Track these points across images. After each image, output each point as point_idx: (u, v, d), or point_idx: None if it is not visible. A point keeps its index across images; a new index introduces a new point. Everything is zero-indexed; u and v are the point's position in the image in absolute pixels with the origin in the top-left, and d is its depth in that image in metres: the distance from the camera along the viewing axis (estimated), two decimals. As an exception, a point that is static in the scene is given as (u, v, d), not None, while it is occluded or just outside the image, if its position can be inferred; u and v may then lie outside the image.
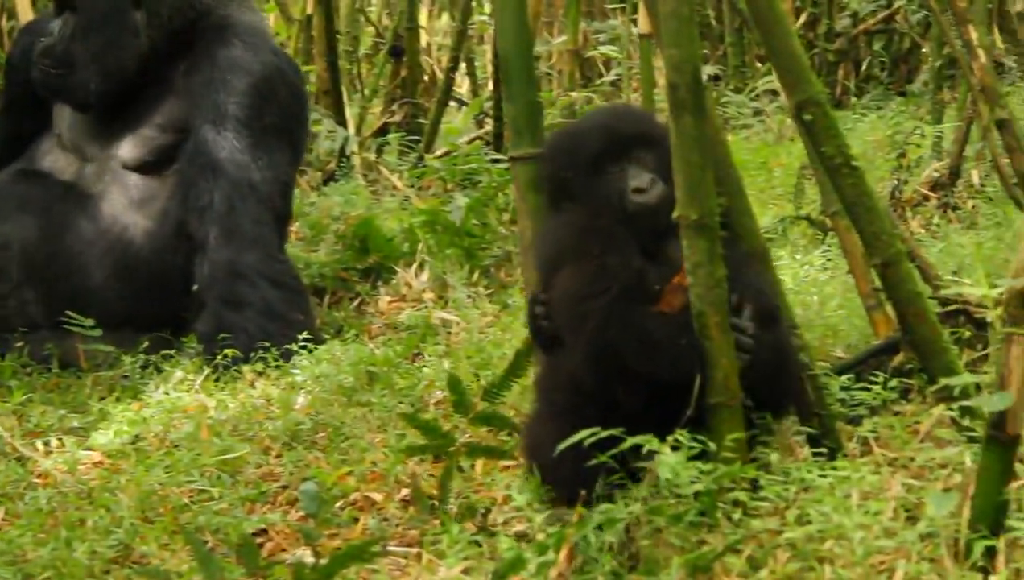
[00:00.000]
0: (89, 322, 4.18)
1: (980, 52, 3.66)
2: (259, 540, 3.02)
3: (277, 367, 4.05)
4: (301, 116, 4.65)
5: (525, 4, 3.13)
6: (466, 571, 2.59)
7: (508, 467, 3.18)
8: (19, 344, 4.26)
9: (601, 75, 8.54)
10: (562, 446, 2.54)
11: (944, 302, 3.21)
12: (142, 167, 4.45)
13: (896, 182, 4.89)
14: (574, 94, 6.24)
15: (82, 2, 4.41)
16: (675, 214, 2.66)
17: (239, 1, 4.63)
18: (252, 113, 4.40)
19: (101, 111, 4.49)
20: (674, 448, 2.42)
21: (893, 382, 3.04)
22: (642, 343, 2.65)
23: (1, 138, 4.72)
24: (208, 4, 4.52)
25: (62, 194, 4.43)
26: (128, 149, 4.45)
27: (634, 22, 7.47)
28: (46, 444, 3.59)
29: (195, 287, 4.29)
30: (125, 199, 4.42)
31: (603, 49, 8.28)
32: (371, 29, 8.89)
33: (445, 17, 10.01)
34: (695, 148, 2.68)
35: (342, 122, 6.52)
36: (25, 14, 5.76)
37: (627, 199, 2.78)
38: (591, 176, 2.81)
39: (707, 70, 7.54)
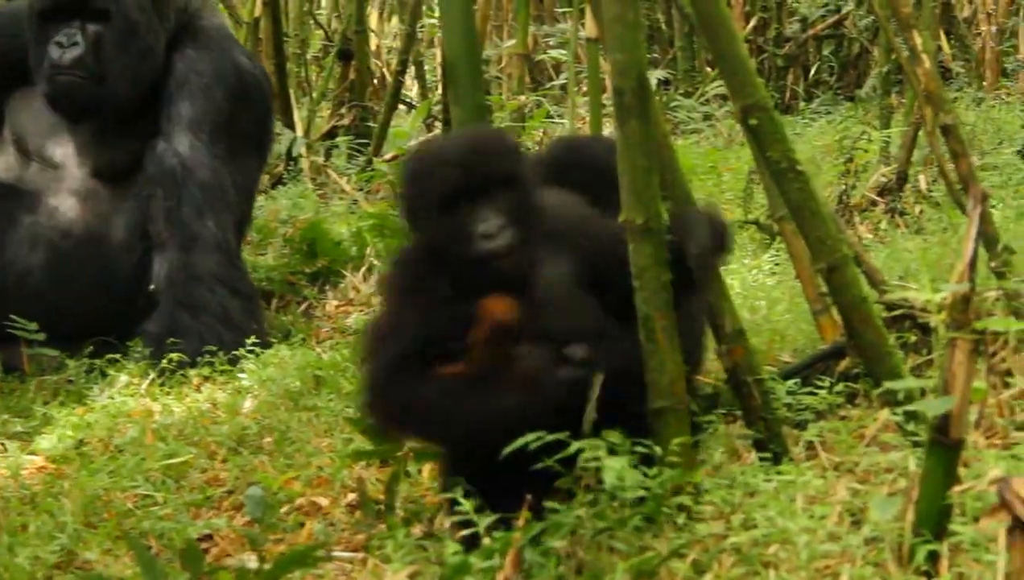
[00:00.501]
0: (33, 326, 4.15)
1: (924, 58, 3.67)
2: (204, 545, 3.00)
3: (224, 372, 4.03)
4: (269, 122, 4.67)
5: (471, 7, 3.12)
6: (412, 576, 2.58)
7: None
8: (-38, 348, 4.23)
9: (551, 79, 8.54)
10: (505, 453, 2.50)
11: (890, 307, 3.22)
12: (109, 174, 4.40)
13: (844, 187, 4.92)
14: (523, 98, 6.23)
15: (117, 12, 4.30)
16: (621, 218, 2.66)
17: (206, 4, 4.62)
18: (227, 118, 4.39)
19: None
20: (612, 453, 2.41)
21: (839, 386, 3.04)
22: (410, 407, 2.55)
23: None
24: (196, 8, 4.50)
25: (16, 202, 4.37)
26: (98, 155, 4.40)
27: (583, 26, 7.49)
28: (-12, 449, 3.56)
29: (151, 287, 4.26)
30: (87, 206, 4.38)
31: (552, 53, 8.29)
32: (320, 32, 8.87)
33: (395, 20, 9.99)
34: (641, 152, 2.68)
35: (290, 125, 6.50)
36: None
37: (473, 244, 2.58)
38: (441, 212, 2.59)
39: (656, 74, 7.56)
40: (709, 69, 7.67)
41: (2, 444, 3.61)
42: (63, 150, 4.45)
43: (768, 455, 2.68)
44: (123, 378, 4.05)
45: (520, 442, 2.44)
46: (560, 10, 8.50)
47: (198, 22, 4.52)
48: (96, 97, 4.32)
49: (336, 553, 2.84)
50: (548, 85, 8.28)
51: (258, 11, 6.76)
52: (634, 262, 2.67)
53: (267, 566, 2.39)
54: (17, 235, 4.34)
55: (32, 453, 3.55)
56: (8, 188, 4.42)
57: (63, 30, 4.29)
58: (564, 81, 7.99)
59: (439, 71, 8.11)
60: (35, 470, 3.45)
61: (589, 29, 3.61)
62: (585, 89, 7.55)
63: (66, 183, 4.43)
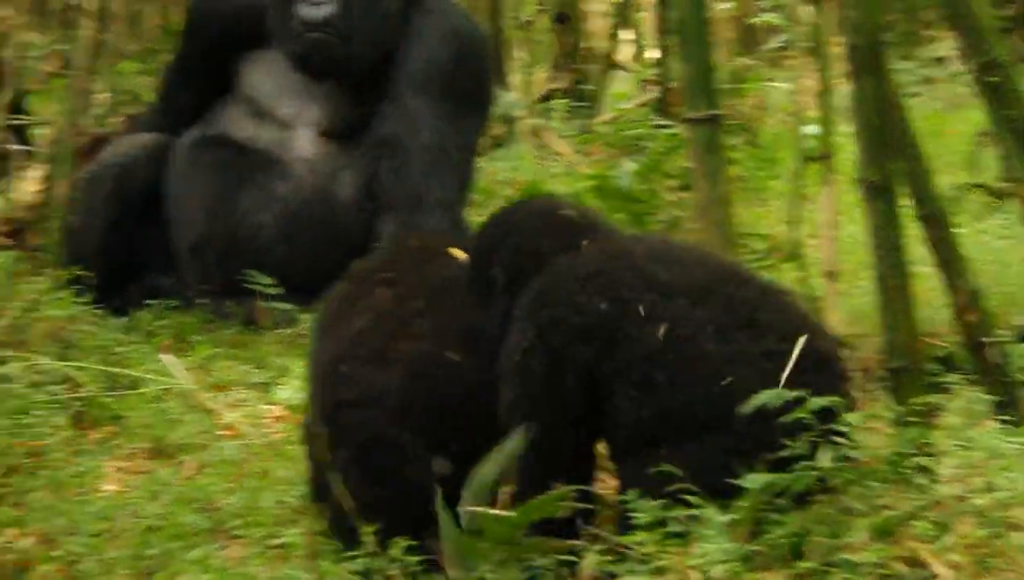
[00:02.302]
0: (267, 281, 4.27)
1: None
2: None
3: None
4: (489, 84, 4.72)
5: (702, -32, 3.14)
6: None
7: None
8: (202, 302, 4.38)
9: (762, 42, 8.45)
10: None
11: None
12: (337, 134, 4.52)
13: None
14: (743, 60, 6.21)
15: None
16: (857, 176, 2.66)
17: None
18: (450, 80, 4.45)
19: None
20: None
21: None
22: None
23: (182, 103, 4.77)
24: None
25: (250, 160, 4.50)
26: (328, 116, 4.52)
27: (801, -13, 7.40)
28: (230, 397, 3.69)
29: (377, 245, 4.36)
30: (316, 165, 4.49)
31: (766, 16, 8.19)
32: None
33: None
34: (875, 110, 2.68)
35: (507, 88, 6.56)
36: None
37: None
38: None
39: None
40: (928, 32, 7.53)
41: (242, 394, 3.74)
42: (294, 110, 4.57)
43: (1008, 417, 2.65)
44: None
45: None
46: (776, -28, 8.41)
47: None
48: (343, 56, 4.39)
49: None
50: (763, 49, 8.20)
51: (473, -24, 6.85)
52: (869, 220, 2.67)
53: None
54: (250, 192, 4.47)
55: (271, 402, 3.67)
56: (241, 147, 4.55)
57: None
58: (780, 44, 7.90)
59: (654, 34, 8.12)
60: (274, 419, 3.57)
61: (818, -12, 3.60)
62: (797, 53, 7.49)
63: (297, 142, 4.55)
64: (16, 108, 6.95)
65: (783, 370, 2.35)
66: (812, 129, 4.29)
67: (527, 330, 2.48)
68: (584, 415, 2.46)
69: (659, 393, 2.39)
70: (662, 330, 2.40)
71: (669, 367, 2.39)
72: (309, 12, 4.35)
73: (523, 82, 6.98)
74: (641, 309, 2.43)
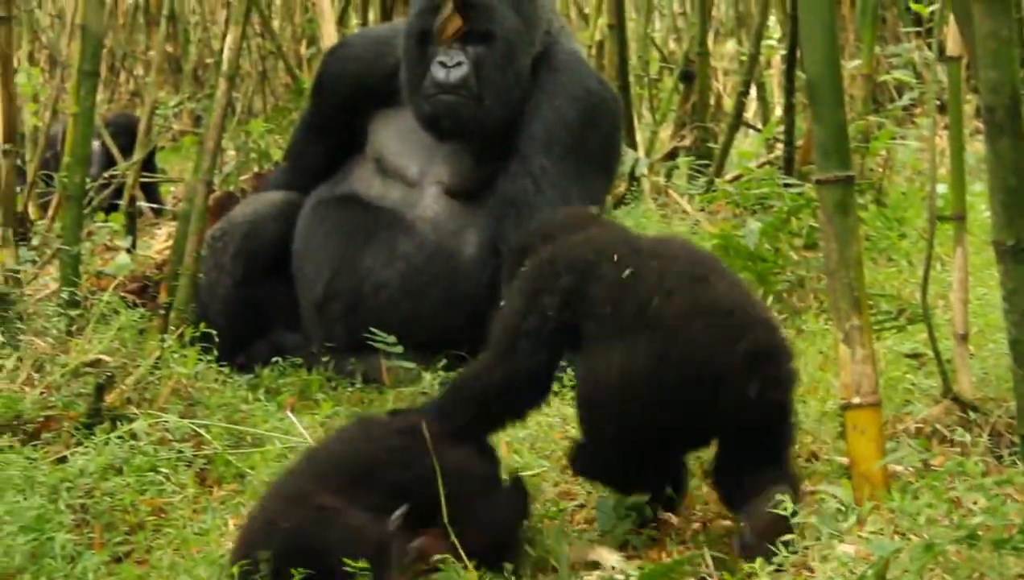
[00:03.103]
0: (391, 339, 4.29)
1: None
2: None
3: (572, 386, 4.08)
4: (617, 144, 4.72)
5: (835, 27, 3.10)
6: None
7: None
8: (325, 359, 4.40)
9: (892, 99, 8.38)
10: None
11: None
12: (462, 192, 4.53)
13: None
14: (870, 118, 6.13)
15: (501, 34, 4.41)
16: (991, 238, 2.60)
17: (564, 29, 4.70)
18: (576, 140, 4.46)
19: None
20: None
21: None
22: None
23: (310, 161, 4.82)
24: (555, 33, 4.60)
25: (376, 217, 4.53)
26: (454, 175, 4.53)
27: (929, 46, 7.31)
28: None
29: (502, 303, 4.35)
30: (440, 223, 4.51)
31: (896, 73, 8.11)
32: (656, 53, 8.92)
33: (730, 43, 9.96)
34: (1011, 172, 2.63)
35: (633, 145, 6.55)
36: (330, 40, 5.93)
37: None
38: None
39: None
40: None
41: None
42: (421, 169, 4.59)
43: None
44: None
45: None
46: (904, 30, 8.33)
47: (555, 46, 4.60)
48: (474, 117, 4.42)
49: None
50: (890, 106, 8.12)
51: (599, 35, 6.86)
52: (1004, 284, 2.61)
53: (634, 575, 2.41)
54: (374, 250, 4.49)
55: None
56: (368, 204, 4.59)
57: (445, 50, 4.40)
58: (907, 102, 7.82)
59: (779, 92, 8.08)
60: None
61: (951, 47, 3.53)
62: (926, 110, 7.40)
63: (422, 200, 4.57)
64: (147, 166, 7.09)
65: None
66: (943, 188, 4.23)
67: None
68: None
69: None
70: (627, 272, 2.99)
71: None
72: (442, 74, 4.37)
73: (648, 140, 6.97)
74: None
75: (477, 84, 4.39)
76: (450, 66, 4.37)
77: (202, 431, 3.57)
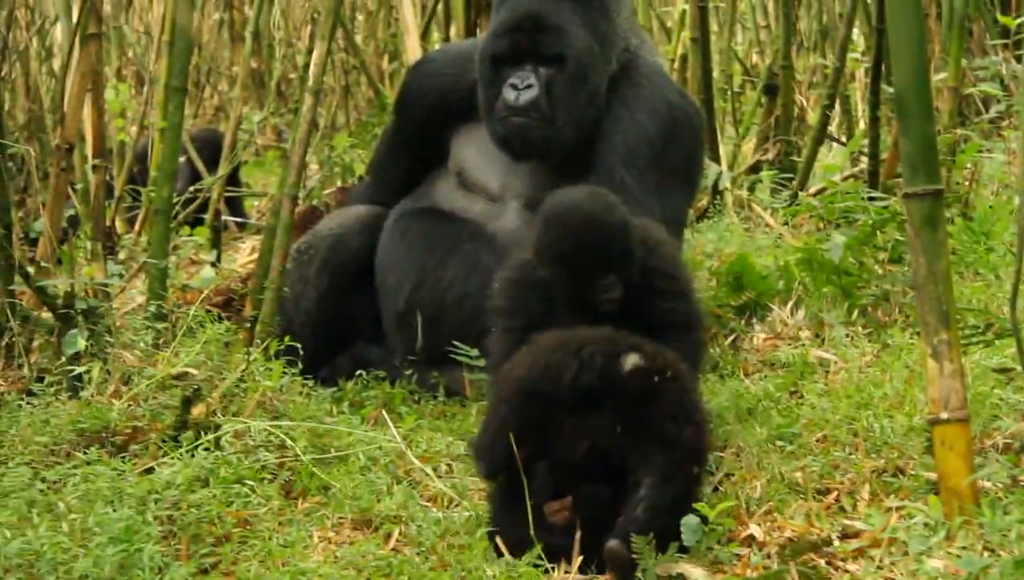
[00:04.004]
0: (474, 352, 4.30)
1: None
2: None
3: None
4: (699, 157, 4.71)
5: (924, 40, 3.08)
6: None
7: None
8: (408, 372, 4.42)
9: (978, 113, 8.30)
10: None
11: None
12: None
13: None
14: (957, 131, 6.07)
15: (570, 57, 4.41)
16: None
17: (645, 44, 4.70)
18: (658, 153, 4.45)
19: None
20: None
21: None
22: None
23: (393, 175, 4.85)
24: (635, 48, 4.60)
25: (457, 230, 4.55)
26: (534, 189, 4.54)
27: (1017, 59, 7.24)
28: (435, 469, 3.70)
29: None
30: (522, 236, 4.50)
31: (983, 87, 8.04)
32: (739, 66, 8.88)
33: (812, 56, 9.90)
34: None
35: (716, 159, 6.54)
36: (413, 55, 5.96)
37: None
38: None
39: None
40: None
41: (448, 465, 3.75)
42: (502, 183, 4.61)
43: None
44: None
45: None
46: (991, 42, 8.25)
47: (636, 61, 4.60)
48: (545, 138, 4.43)
49: None
50: (976, 120, 8.04)
51: (682, 48, 6.85)
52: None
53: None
54: (457, 260, 4.51)
55: (475, 475, 3.67)
56: (451, 216, 4.60)
57: (517, 72, 4.42)
58: (994, 115, 7.74)
59: (863, 105, 8.03)
60: (478, 490, 3.58)
61: (1040, 59, 3.50)
62: (1014, 123, 7.32)
63: (504, 214, 4.58)
64: (231, 180, 7.16)
65: None
66: (1031, 202, 4.18)
67: None
68: None
69: None
70: None
71: None
72: (513, 96, 4.40)
73: (731, 153, 6.95)
74: None
75: (548, 105, 4.40)
76: (521, 88, 4.40)
77: (287, 441, 3.59)
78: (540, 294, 3.58)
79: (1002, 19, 7.39)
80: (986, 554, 2.79)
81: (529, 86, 4.40)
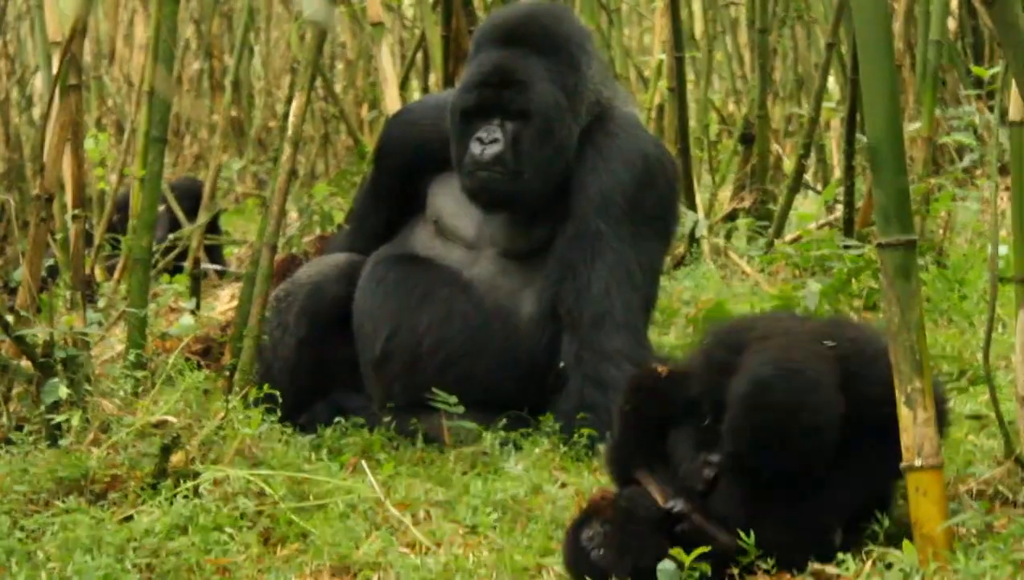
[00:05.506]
0: (453, 399, 4.32)
1: None
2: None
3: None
4: (674, 206, 4.74)
5: (896, 94, 3.12)
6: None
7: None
8: (386, 419, 4.43)
9: (952, 161, 8.36)
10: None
11: None
12: (519, 254, 4.58)
13: None
14: (931, 181, 6.13)
15: (537, 111, 4.44)
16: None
17: (619, 95, 4.75)
18: (633, 202, 4.49)
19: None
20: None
21: None
22: None
23: (372, 224, 4.88)
24: (608, 99, 4.64)
25: (433, 277, 4.57)
26: (510, 238, 4.58)
27: (990, 108, 7.31)
28: (414, 515, 3.71)
29: (561, 365, 4.39)
30: (498, 283, 4.55)
31: (956, 136, 8.11)
32: (715, 115, 8.95)
33: (788, 105, 9.98)
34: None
35: (692, 207, 6.58)
36: (392, 104, 6.00)
37: None
38: None
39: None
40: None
41: (427, 512, 3.76)
42: (477, 232, 4.64)
43: None
44: (536, 451, 4.17)
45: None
46: (965, 92, 8.33)
47: (610, 111, 4.64)
48: (512, 192, 4.47)
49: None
50: (950, 169, 8.11)
51: (659, 98, 6.91)
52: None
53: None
54: (433, 307, 4.53)
55: (453, 521, 3.69)
56: (427, 263, 4.63)
57: (484, 127, 4.46)
58: (968, 164, 7.81)
59: (837, 154, 8.08)
60: (457, 537, 3.59)
61: (1014, 112, 3.54)
62: (987, 172, 7.39)
63: (480, 261, 4.61)
64: (211, 228, 7.19)
65: None
66: (1004, 250, 4.23)
67: None
68: None
69: None
70: None
71: None
72: (479, 150, 4.44)
73: (707, 201, 7.00)
74: None
75: (514, 160, 4.44)
76: (486, 143, 4.44)
77: (266, 488, 3.60)
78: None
79: (975, 69, 7.48)
80: (960, 600, 2.81)
81: (495, 140, 4.45)
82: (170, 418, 3.81)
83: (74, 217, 4.33)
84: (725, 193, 7.23)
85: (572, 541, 3.21)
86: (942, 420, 3.18)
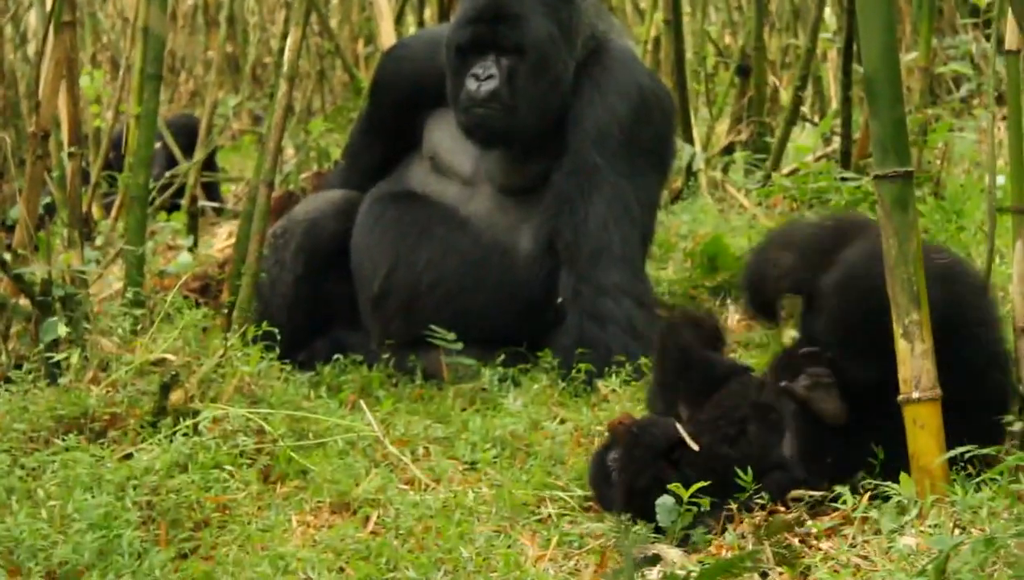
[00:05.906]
0: (451, 336, 4.33)
1: None
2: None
3: (628, 383, 4.12)
4: (670, 139, 4.73)
5: (893, 24, 3.10)
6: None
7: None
8: (385, 356, 4.44)
9: (949, 92, 8.34)
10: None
11: None
12: (516, 189, 4.57)
13: None
14: (928, 112, 6.11)
15: (530, 47, 4.44)
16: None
17: (613, 28, 4.73)
18: (629, 135, 4.48)
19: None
20: None
21: None
22: None
23: (367, 160, 4.87)
24: (603, 33, 4.62)
25: (431, 213, 4.57)
26: (506, 173, 4.57)
27: (987, 37, 7.27)
28: (413, 452, 3.72)
29: (559, 300, 4.40)
30: (495, 219, 4.55)
31: (953, 66, 8.08)
32: (711, 48, 8.90)
33: (784, 37, 9.93)
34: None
35: (690, 141, 6.56)
36: (387, 39, 5.97)
37: None
38: None
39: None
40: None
41: (425, 449, 3.77)
42: (473, 168, 4.63)
43: None
44: (535, 387, 4.18)
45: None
46: (962, 21, 8.29)
47: (606, 44, 4.62)
48: (508, 128, 4.46)
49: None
50: (947, 98, 8.09)
51: (655, 31, 6.86)
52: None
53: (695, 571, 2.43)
54: (430, 244, 4.53)
55: (452, 458, 3.70)
56: (424, 200, 4.63)
57: (479, 63, 4.45)
58: (965, 94, 7.79)
59: (835, 86, 8.05)
60: (456, 473, 3.60)
61: (1010, 41, 3.52)
62: (984, 102, 7.36)
63: (477, 197, 4.61)
64: (208, 165, 7.16)
65: None
66: (1002, 180, 4.22)
67: None
68: None
69: None
70: None
71: None
72: (474, 86, 4.43)
73: (704, 134, 6.97)
74: None
75: (510, 95, 4.43)
76: (482, 79, 4.43)
77: (265, 426, 3.61)
78: None
79: (972, -2, 7.43)
80: (957, 532, 2.82)
81: (490, 76, 4.43)
82: (169, 356, 3.81)
83: (70, 155, 4.31)
84: (722, 126, 7.20)
85: (598, 462, 3.31)
86: None
